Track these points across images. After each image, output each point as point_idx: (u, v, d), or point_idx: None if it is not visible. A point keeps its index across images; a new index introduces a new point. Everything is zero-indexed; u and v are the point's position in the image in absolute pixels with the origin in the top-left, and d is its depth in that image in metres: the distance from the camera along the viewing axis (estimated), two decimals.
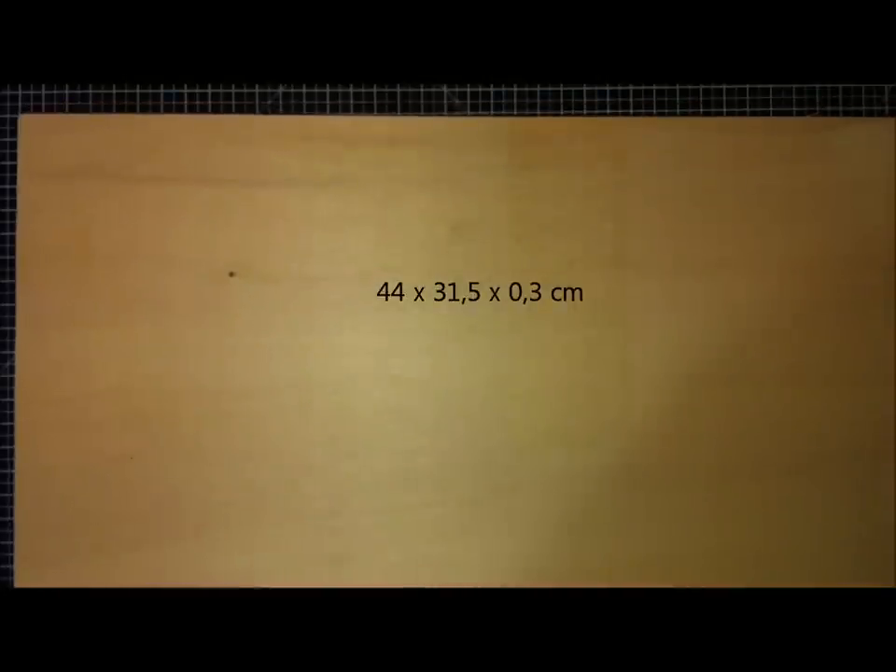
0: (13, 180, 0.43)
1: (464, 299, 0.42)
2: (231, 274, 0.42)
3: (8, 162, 0.43)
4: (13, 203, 0.43)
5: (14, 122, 0.43)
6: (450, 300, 0.42)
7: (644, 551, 0.41)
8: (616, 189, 0.42)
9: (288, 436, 0.42)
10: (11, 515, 0.41)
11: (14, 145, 0.43)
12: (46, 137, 0.42)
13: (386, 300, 0.42)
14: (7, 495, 0.42)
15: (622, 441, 0.42)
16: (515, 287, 0.42)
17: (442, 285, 0.42)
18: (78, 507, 0.41)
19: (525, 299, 0.42)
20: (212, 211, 0.42)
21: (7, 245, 0.43)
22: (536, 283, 0.42)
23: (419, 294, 0.42)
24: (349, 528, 0.41)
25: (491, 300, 0.42)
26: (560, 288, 0.42)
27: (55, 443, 0.41)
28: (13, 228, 0.42)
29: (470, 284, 0.42)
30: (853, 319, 0.42)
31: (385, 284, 0.42)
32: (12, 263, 0.42)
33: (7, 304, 0.42)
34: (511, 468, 0.42)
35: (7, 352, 0.42)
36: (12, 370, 0.42)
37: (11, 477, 0.41)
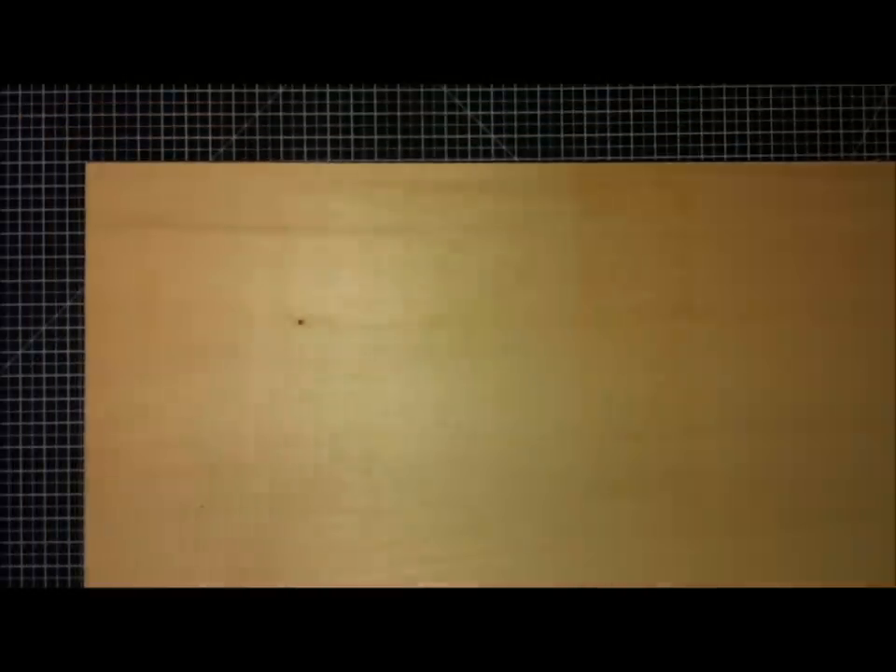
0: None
1: (529, 347, 0.42)
2: (300, 322, 0.42)
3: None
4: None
5: (14, 122, 0.43)
6: (514, 347, 0.42)
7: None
8: (682, 235, 0.42)
9: (356, 482, 0.42)
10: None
11: (14, 145, 0.43)
12: (111, 185, 0.42)
13: (451, 347, 0.42)
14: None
15: (688, 487, 0.42)
16: (581, 335, 0.42)
17: (507, 332, 0.42)
18: (148, 554, 0.41)
19: (592, 346, 0.42)
20: (278, 259, 0.42)
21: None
22: (602, 329, 0.42)
23: (483, 341, 0.42)
24: (417, 576, 0.41)
25: (556, 347, 0.42)
26: (626, 335, 0.42)
27: (124, 492, 0.41)
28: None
29: (535, 331, 0.42)
30: None
31: (450, 331, 0.42)
32: (18, 271, 0.42)
33: (8, 304, 0.43)
34: (579, 514, 0.42)
35: (8, 352, 0.42)
36: (14, 370, 0.42)
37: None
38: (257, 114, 0.43)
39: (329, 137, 0.43)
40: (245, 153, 0.43)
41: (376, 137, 0.43)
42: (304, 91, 0.43)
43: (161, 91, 0.43)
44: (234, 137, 0.43)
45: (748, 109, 0.44)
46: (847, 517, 0.42)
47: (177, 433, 0.41)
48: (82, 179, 0.43)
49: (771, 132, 0.44)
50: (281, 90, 0.43)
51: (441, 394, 0.42)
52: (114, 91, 0.43)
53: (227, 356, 0.42)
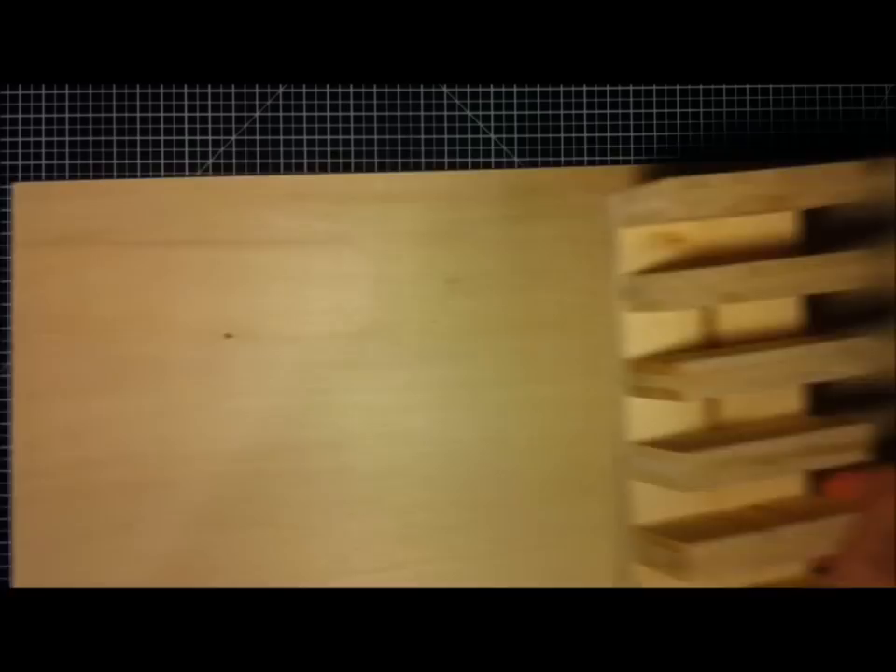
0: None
1: (464, 354, 0.42)
2: (228, 336, 0.41)
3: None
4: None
5: (14, 122, 0.43)
6: (449, 355, 0.42)
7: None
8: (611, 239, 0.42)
9: (287, 497, 0.41)
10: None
11: (10, 156, 0.43)
12: (39, 205, 0.42)
13: (383, 356, 0.42)
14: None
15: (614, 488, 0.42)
16: (512, 340, 0.42)
17: (440, 340, 0.42)
18: (78, 574, 0.41)
19: (523, 351, 0.42)
20: (208, 273, 0.42)
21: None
22: (533, 335, 0.42)
23: (417, 350, 0.42)
24: (351, 587, 0.41)
25: (492, 353, 0.42)
26: (557, 339, 0.42)
27: (53, 512, 0.41)
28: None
29: (467, 338, 0.42)
30: None
31: (383, 340, 0.42)
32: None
33: (5, 304, 0.42)
34: (510, 522, 0.42)
35: (6, 351, 0.42)
36: (6, 369, 0.42)
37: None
38: (257, 114, 0.43)
39: (328, 137, 0.43)
40: (246, 153, 0.43)
41: (376, 137, 0.43)
42: (304, 90, 0.43)
43: (161, 90, 0.43)
44: (234, 137, 0.43)
45: (747, 109, 0.44)
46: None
47: (107, 450, 0.41)
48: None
49: (771, 132, 0.44)
50: (281, 89, 0.43)
51: (375, 404, 0.42)
52: (114, 91, 0.43)
53: (157, 371, 0.41)
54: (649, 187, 0.37)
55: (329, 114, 0.43)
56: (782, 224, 0.40)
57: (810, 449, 0.37)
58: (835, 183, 0.37)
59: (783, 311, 0.40)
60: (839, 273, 0.37)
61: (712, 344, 0.40)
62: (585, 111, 0.44)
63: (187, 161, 0.43)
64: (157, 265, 0.42)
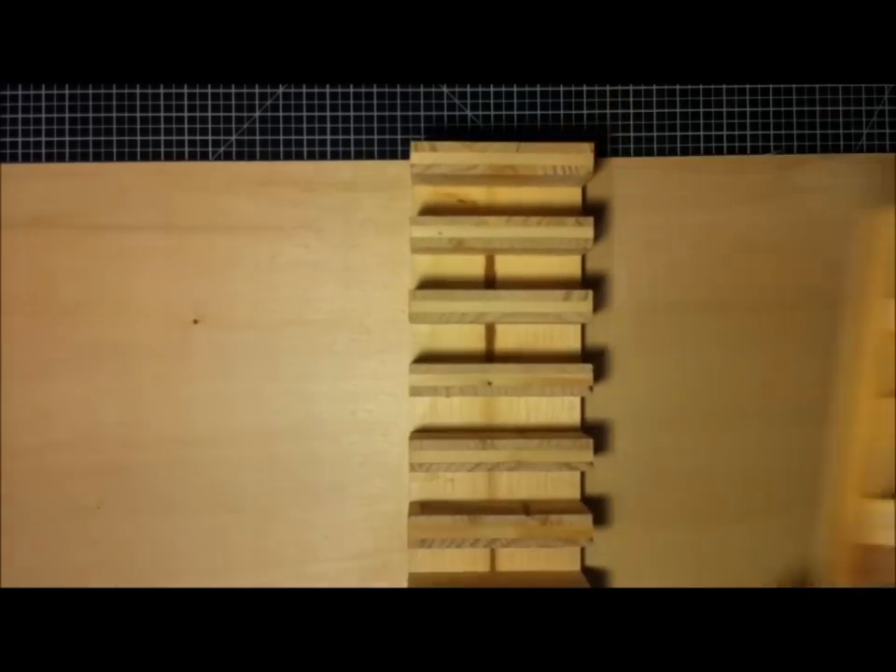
0: None
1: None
2: (195, 322, 0.41)
3: None
4: None
5: (14, 122, 0.43)
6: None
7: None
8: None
9: (254, 483, 0.42)
10: None
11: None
12: (5, 187, 0.42)
13: (350, 344, 0.42)
14: None
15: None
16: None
17: (405, 328, 0.42)
18: (43, 553, 0.41)
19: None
20: (175, 258, 0.42)
21: None
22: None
23: (382, 338, 0.42)
24: (319, 575, 0.41)
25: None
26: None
27: (19, 494, 0.41)
28: None
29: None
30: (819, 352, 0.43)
31: (349, 328, 0.42)
32: None
33: None
34: None
35: None
36: None
37: None
38: (257, 114, 0.43)
39: (329, 137, 0.43)
40: (246, 153, 0.43)
41: (376, 137, 0.43)
42: (304, 90, 0.43)
43: (161, 90, 0.43)
44: (234, 137, 0.43)
45: (748, 109, 0.44)
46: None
47: (73, 434, 0.41)
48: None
49: (771, 132, 0.44)
50: (281, 89, 0.43)
51: (341, 392, 0.42)
52: (114, 91, 0.43)
53: (122, 355, 0.42)
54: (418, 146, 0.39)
55: (328, 114, 0.43)
56: (567, 195, 0.42)
57: None
58: (559, 159, 0.39)
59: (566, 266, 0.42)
60: (557, 234, 0.40)
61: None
62: (585, 111, 0.44)
63: (187, 162, 0.43)
64: (122, 249, 0.42)
